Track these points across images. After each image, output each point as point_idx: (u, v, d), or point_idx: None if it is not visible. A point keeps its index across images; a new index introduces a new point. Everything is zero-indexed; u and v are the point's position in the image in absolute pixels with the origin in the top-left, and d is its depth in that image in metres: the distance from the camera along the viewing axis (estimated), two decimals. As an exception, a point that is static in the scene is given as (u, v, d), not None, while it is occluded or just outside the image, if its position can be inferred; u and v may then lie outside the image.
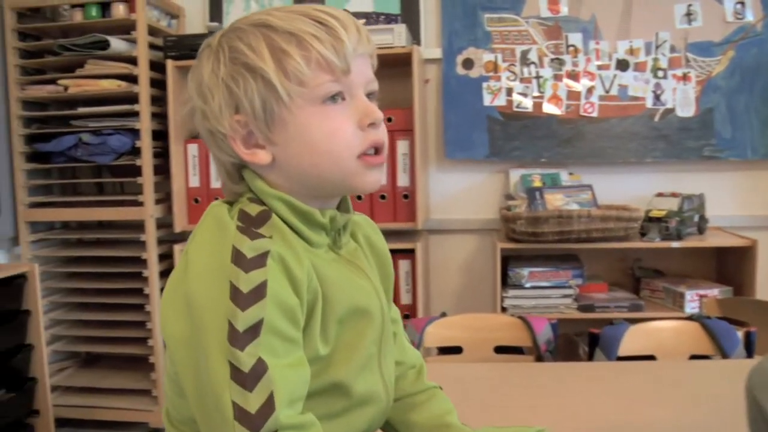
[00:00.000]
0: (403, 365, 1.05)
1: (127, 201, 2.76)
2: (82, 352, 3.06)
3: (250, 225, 0.80)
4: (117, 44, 2.58)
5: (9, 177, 2.76)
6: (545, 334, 1.85)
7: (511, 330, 1.87)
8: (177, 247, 2.68)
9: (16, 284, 2.34)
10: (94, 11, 2.67)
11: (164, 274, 2.78)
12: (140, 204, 2.71)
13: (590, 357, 1.85)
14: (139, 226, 2.74)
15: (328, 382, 0.84)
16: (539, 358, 1.81)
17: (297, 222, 0.85)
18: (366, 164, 0.85)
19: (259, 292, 0.74)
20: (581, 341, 2.66)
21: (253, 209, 0.83)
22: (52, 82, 2.72)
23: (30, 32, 2.79)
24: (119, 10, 2.64)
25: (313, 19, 0.82)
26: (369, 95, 0.88)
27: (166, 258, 2.82)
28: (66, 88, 2.67)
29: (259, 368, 0.73)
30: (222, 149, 0.87)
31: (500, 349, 1.87)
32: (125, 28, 2.65)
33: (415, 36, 2.86)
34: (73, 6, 2.72)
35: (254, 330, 0.73)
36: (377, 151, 0.86)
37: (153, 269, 2.71)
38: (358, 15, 2.87)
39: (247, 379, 0.72)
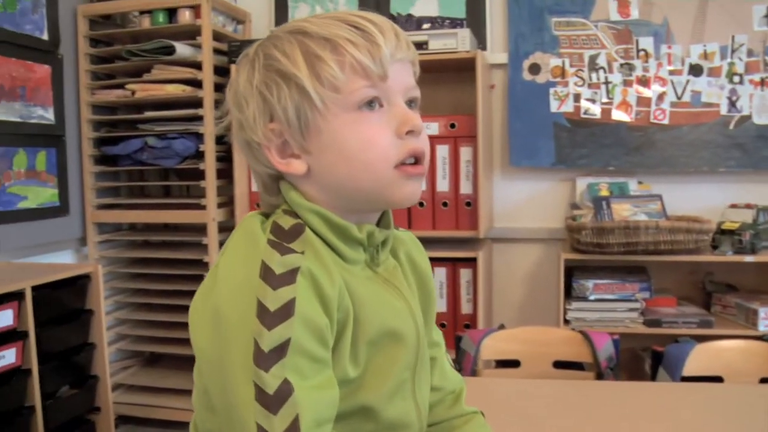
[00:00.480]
0: (442, 391, 1.00)
1: (191, 204, 2.79)
2: (146, 351, 3.11)
3: (282, 239, 0.78)
4: (182, 49, 2.61)
5: (78, 179, 2.82)
6: (606, 350, 1.79)
7: (571, 345, 1.82)
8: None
9: (80, 284, 2.38)
10: (161, 17, 2.70)
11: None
12: (203, 207, 2.73)
13: (653, 376, 1.78)
14: (202, 229, 2.77)
15: (357, 405, 0.82)
16: (599, 376, 1.75)
17: (332, 237, 0.82)
18: (403, 174, 0.81)
19: (287, 311, 0.72)
20: (647, 356, 2.57)
21: (287, 222, 0.81)
22: (121, 86, 2.77)
23: (101, 38, 2.85)
24: (185, 16, 2.67)
25: (350, 24, 0.80)
26: (410, 103, 0.84)
27: (228, 261, 2.83)
28: (133, 92, 2.71)
29: (285, 390, 0.70)
30: (258, 160, 0.85)
31: (559, 364, 1.81)
32: (191, 34, 2.67)
33: (480, 40, 2.81)
34: (142, 12, 2.76)
35: (280, 350, 0.71)
36: (417, 160, 0.83)
37: (215, 273, 2.72)
38: (423, 19, 2.84)
39: (272, 401, 0.70)
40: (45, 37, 2.63)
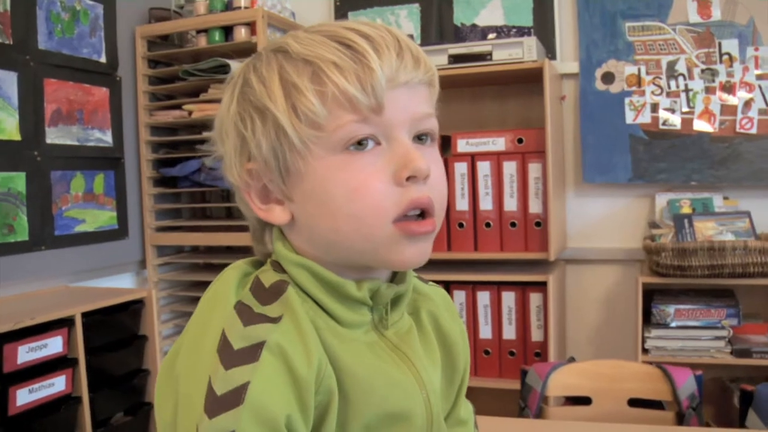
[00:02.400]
0: None
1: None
2: (208, 376, 3.05)
3: (260, 299, 0.65)
4: (237, 67, 2.54)
5: (137, 201, 2.79)
6: (688, 387, 1.60)
7: (648, 381, 1.64)
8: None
9: (134, 309, 2.33)
10: (217, 36, 2.66)
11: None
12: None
13: (742, 419, 1.59)
14: (261, 251, 2.69)
15: None
16: (680, 416, 1.57)
17: (323, 296, 0.68)
18: (404, 233, 0.66)
19: (236, 397, 0.58)
20: (735, 388, 2.34)
21: (270, 278, 0.68)
22: (179, 107, 2.73)
23: (159, 59, 2.82)
24: (241, 34, 2.61)
25: (339, 41, 0.65)
26: (421, 137, 0.69)
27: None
28: (190, 113, 2.67)
29: None
30: (244, 202, 0.72)
31: (635, 402, 1.64)
32: (247, 52, 2.61)
33: (549, 49, 2.65)
34: (199, 32, 2.72)
35: None
36: (423, 214, 0.67)
37: (273, 296, 2.64)
38: (488, 29, 2.71)
39: None
40: (103, 59, 2.61)
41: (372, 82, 0.63)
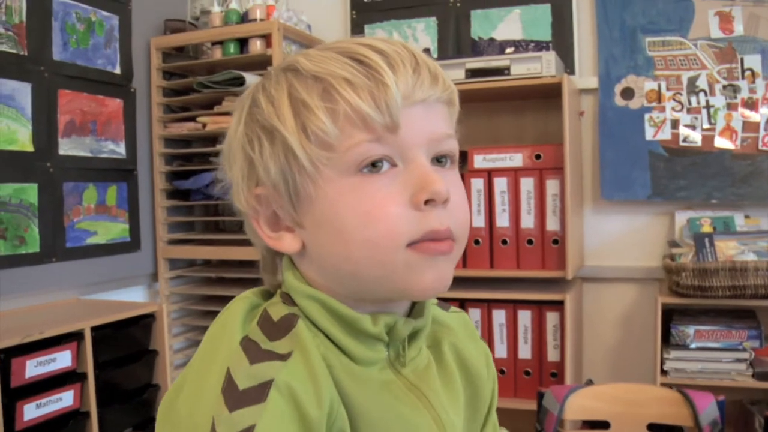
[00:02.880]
0: None
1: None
2: (218, 391, 3.01)
3: (268, 335, 0.61)
4: (252, 80, 2.52)
5: (150, 214, 2.77)
6: (710, 413, 1.56)
7: (668, 405, 1.60)
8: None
9: (144, 323, 2.31)
10: (232, 48, 2.64)
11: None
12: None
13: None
14: (275, 266, 2.66)
15: None
16: (703, 443, 1.52)
17: (335, 330, 0.63)
18: (421, 254, 0.61)
19: None
20: (757, 412, 2.28)
21: (279, 311, 0.64)
22: (193, 119, 2.71)
23: (174, 71, 2.81)
24: (256, 46, 2.59)
25: (352, 57, 0.61)
26: (440, 160, 0.65)
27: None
28: (204, 125, 2.65)
29: None
30: (252, 230, 0.68)
31: (654, 428, 1.59)
32: (262, 64, 2.59)
33: (568, 64, 2.62)
34: (214, 44, 2.71)
35: None
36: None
37: (285, 312, 2.61)
38: (505, 43, 2.68)
39: None
40: (117, 71, 2.60)
41: (386, 99, 0.59)
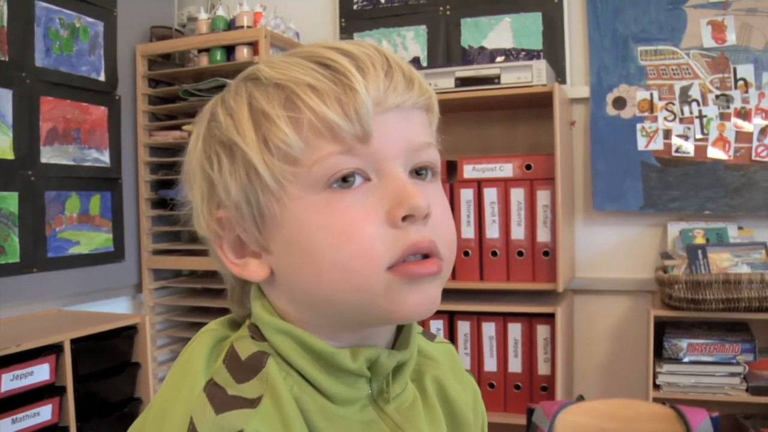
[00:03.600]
0: None
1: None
2: (204, 404, 2.96)
3: (235, 376, 0.55)
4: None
5: (134, 224, 2.72)
6: (704, 430, 1.52)
7: (660, 421, 1.56)
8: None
9: (126, 335, 2.26)
10: (218, 55, 2.60)
11: (284, 328, 2.63)
12: (261, 254, 2.58)
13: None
14: (260, 276, 2.61)
15: None
16: (698, 460, 1.48)
17: (311, 369, 0.57)
18: (404, 277, 0.55)
19: None
20: (751, 426, 2.24)
21: (246, 348, 0.57)
22: (179, 128, 2.67)
23: (160, 78, 2.77)
24: (243, 54, 2.56)
25: (317, 62, 0.56)
26: (419, 172, 0.59)
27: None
28: (190, 133, 2.60)
29: None
30: (216, 257, 0.61)
31: (649, 445, 1.55)
32: (249, 72, 2.55)
33: (559, 73, 2.59)
34: (200, 51, 2.67)
35: None
36: (428, 256, 0.56)
37: (272, 323, 2.56)
38: (496, 52, 2.64)
39: None
40: (102, 78, 2.55)
41: (356, 105, 0.54)
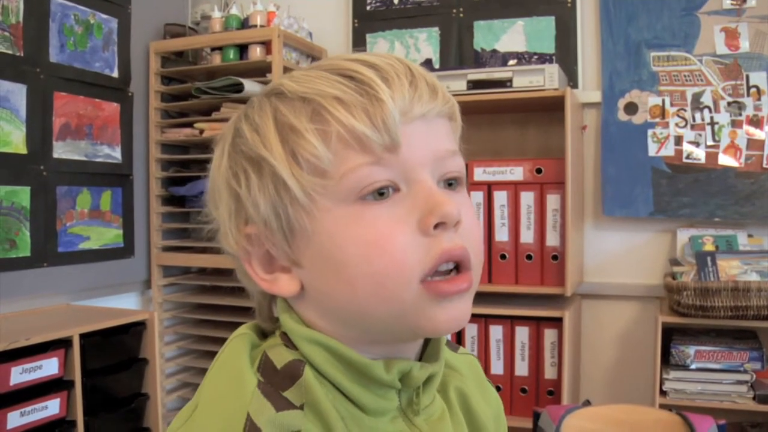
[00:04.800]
0: None
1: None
2: (210, 401, 2.97)
3: (276, 384, 0.55)
4: (251, 87, 2.49)
5: (145, 220, 2.73)
6: (711, 437, 1.52)
7: (667, 429, 1.56)
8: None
9: (135, 331, 2.27)
10: (231, 54, 2.61)
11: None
12: (270, 253, 2.58)
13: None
14: (269, 275, 2.62)
15: None
16: (704, 468, 1.48)
17: (342, 378, 0.57)
18: (435, 294, 0.55)
19: None
20: (759, 435, 2.24)
21: (281, 357, 0.57)
22: (191, 125, 2.68)
23: (173, 76, 2.78)
24: (256, 53, 2.56)
25: (341, 74, 0.55)
26: (449, 181, 0.59)
27: (295, 310, 2.67)
28: (202, 131, 2.62)
29: None
30: (245, 274, 0.61)
31: (656, 452, 1.55)
32: (262, 71, 2.56)
33: (571, 77, 2.58)
34: (213, 49, 2.68)
35: None
36: (458, 267, 0.56)
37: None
38: (509, 55, 2.65)
39: None
40: (115, 74, 2.57)
41: (383, 116, 0.54)
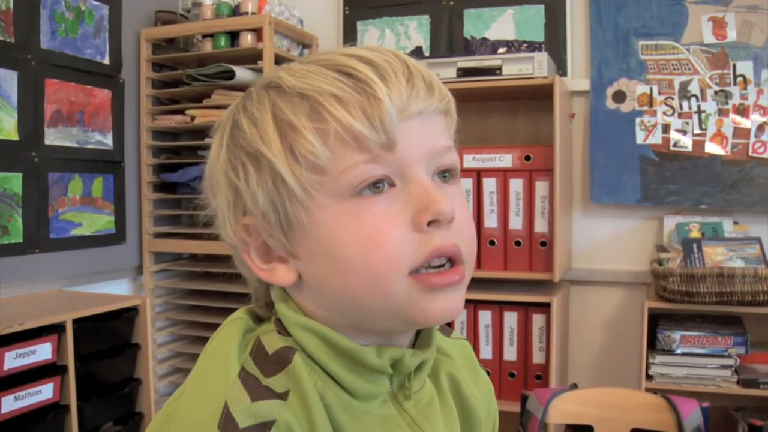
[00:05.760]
0: None
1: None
2: (202, 386, 2.99)
3: (263, 369, 0.57)
4: (242, 74, 2.50)
5: (136, 206, 2.75)
6: (694, 420, 1.55)
7: (652, 411, 1.58)
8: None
9: (127, 316, 2.28)
10: (222, 41, 2.61)
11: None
12: (261, 239, 2.60)
13: (753, 454, 1.54)
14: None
15: None
16: (684, 449, 1.51)
17: (334, 365, 0.59)
18: (425, 286, 0.57)
19: None
20: (741, 418, 2.28)
21: (273, 343, 0.59)
22: (182, 112, 2.68)
23: (164, 63, 2.78)
24: (247, 40, 2.57)
25: (338, 70, 0.56)
26: (443, 173, 0.61)
27: (286, 296, 2.69)
28: (193, 118, 2.62)
29: None
30: (242, 262, 0.63)
31: (638, 433, 1.59)
32: (253, 58, 2.57)
33: (560, 66, 2.61)
34: (204, 36, 2.68)
35: None
36: (452, 261, 0.58)
37: (271, 308, 2.58)
38: (498, 43, 2.66)
39: None
40: (106, 61, 2.57)
41: (380, 114, 0.55)
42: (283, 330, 0.62)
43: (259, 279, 0.63)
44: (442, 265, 0.58)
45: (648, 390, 2.04)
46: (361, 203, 0.56)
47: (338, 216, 0.56)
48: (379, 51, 0.59)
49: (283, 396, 0.56)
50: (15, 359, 1.89)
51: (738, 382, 2.20)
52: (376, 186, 0.57)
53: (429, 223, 0.57)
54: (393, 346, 0.62)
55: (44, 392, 1.97)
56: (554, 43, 2.64)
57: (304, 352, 0.60)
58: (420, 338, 0.66)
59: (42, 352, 1.97)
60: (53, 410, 2.00)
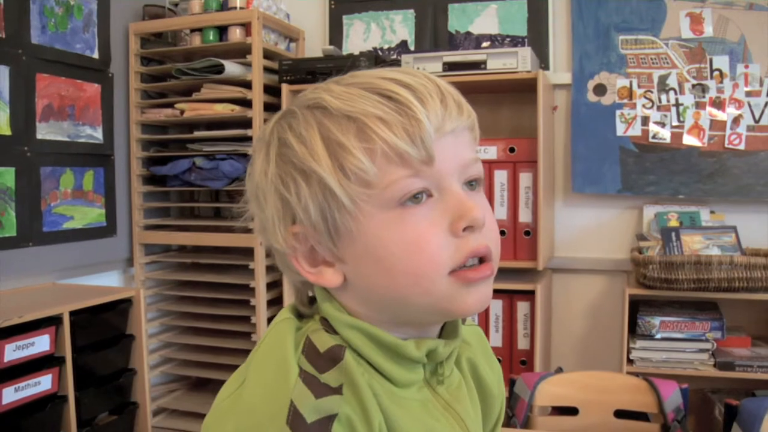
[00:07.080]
0: None
1: (239, 227, 2.70)
2: (192, 376, 3.04)
3: (317, 367, 0.63)
4: (231, 68, 2.54)
5: (126, 199, 2.78)
6: (674, 400, 1.62)
7: (634, 393, 1.66)
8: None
9: (121, 308, 2.32)
10: (211, 35, 2.64)
11: (272, 302, 2.71)
12: (250, 231, 2.64)
13: None
14: (250, 252, 2.69)
15: None
16: (665, 428, 1.59)
17: (380, 359, 0.66)
18: (463, 282, 0.64)
19: None
20: (717, 400, 2.37)
21: (323, 341, 0.65)
22: (171, 105, 2.71)
23: (153, 57, 2.81)
24: (236, 34, 2.60)
25: (380, 94, 0.63)
26: (470, 183, 0.68)
27: (275, 286, 2.74)
28: (182, 111, 2.66)
29: None
30: (289, 267, 0.69)
31: (621, 414, 1.66)
32: (241, 52, 2.60)
33: (543, 60, 2.67)
34: (193, 30, 2.71)
35: None
36: (482, 259, 0.66)
37: (260, 298, 2.63)
38: (482, 37, 2.72)
39: None
40: (95, 55, 2.59)
41: (421, 134, 0.62)
42: (329, 328, 0.67)
43: (303, 280, 0.69)
44: (476, 264, 0.65)
45: (629, 374, 2.12)
46: (404, 212, 0.63)
47: (384, 224, 0.63)
48: (413, 74, 0.65)
49: (338, 390, 0.62)
50: (15, 351, 1.92)
51: (715, 365, 2.28)
52: (416, 197, 0.63)
53: (464, 229, 0.64)
54: (428, 338, 0.69)
55: (43, 383, 2.01)
56: (537, 38, 2.70)
57: (351, 347, 0.66)
58: (446, 329, 0.73)
59: (41, 343, 2.00)
60: (52, 401, 2.04)
